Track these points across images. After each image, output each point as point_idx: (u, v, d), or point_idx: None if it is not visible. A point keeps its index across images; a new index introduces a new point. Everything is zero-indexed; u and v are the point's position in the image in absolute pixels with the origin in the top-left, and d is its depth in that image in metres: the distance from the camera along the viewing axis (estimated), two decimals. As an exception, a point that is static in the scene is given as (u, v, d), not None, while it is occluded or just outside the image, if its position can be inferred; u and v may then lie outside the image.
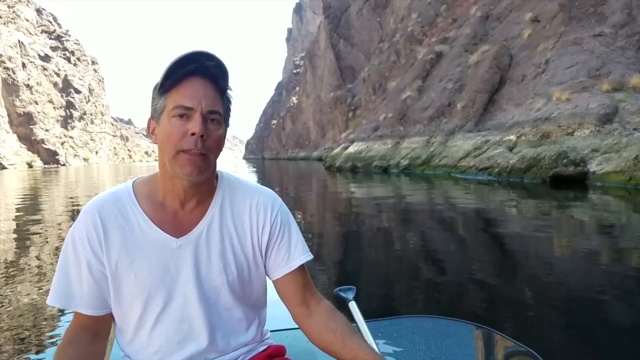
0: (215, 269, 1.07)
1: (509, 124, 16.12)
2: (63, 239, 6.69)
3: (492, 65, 19.52)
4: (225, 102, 1.05)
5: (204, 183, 1.07)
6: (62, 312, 3.30)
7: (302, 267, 1.15)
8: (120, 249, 1.03)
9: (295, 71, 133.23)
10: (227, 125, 1.07)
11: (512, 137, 14.83)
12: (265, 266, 1.15)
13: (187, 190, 1.05)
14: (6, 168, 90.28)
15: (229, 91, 1.06)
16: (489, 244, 5.89)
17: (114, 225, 1.04)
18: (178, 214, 1.07)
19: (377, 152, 23.56)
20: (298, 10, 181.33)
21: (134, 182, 1.12)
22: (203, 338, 1.07)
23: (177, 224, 1.07)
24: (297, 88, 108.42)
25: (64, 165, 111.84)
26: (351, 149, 27.27)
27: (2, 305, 3.57)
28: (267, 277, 1.18)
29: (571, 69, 15.69)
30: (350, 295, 1.50)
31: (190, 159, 0.98)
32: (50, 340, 2.85)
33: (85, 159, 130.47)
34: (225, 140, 1.08)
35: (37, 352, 2.68)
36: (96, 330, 1.06)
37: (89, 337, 1.05)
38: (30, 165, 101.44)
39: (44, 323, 3.19)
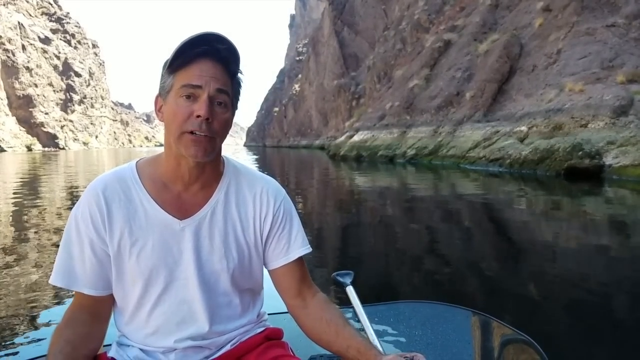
0: (217, 254, 1.07)
1: (519, 115, 15.86)
2: (62, 221, 6.71)
3: (502, 55, 19.20)
4: (235, 85, 1.04)
5: (209, 166, 1.07)
6: (62, 292, 3.29)
7: (300, 259, 1.15)
8: (123, 229, 1.03)
9: (297, 58, 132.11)
10: (235, 108, 1.06)
11: (523, 128, 14.57)
12: (264, 255, 1.15)
13: (192, 171, 1.04)
14: (5, 151, 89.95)
15: (239, 75, 1.05)
16: (494, 235, 5.79)
17: (118, 205, 1.03)
18: (182, 195, 1.07)
19: (383, 142, 23.31)
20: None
21: (137, 162, 1.11)
22: (202, 320, 1.07)
23: (180, 206, 1.06)
24: (300, 75, 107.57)
25: (63, 149, 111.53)
26: (356, 138, 27.03)
27: (2, 286, 3.58)
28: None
29: (584, 60, 15.40)
30: (348, 280, 1.51)
31: (195, 139, 0.97)
32: (50, 320, 2.84)
33: (85, 143, 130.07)
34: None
35: (36, 332, 2.69)
36: (96, 312, 1.06)
37: (87, 318, 1.04)
38: (29, 149, 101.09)
39: (44, 303, 3.19)
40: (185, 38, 0.96)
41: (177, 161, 1.03)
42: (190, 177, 1.05)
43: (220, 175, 1.11)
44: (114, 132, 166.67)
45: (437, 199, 9.14)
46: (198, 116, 0.96)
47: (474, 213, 7.36)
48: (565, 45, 16.82)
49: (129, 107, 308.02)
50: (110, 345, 1.14)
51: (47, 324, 2.78)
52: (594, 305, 3.04)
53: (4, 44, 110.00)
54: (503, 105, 17.81)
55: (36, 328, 2.76)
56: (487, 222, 6.72)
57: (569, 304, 3.12)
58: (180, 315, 1.06)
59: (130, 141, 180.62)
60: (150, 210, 1.04)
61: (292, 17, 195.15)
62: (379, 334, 1.27)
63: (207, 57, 0.98)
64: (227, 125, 1.02)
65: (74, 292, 1.06)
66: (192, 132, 0.97)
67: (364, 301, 1.38)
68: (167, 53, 1.00)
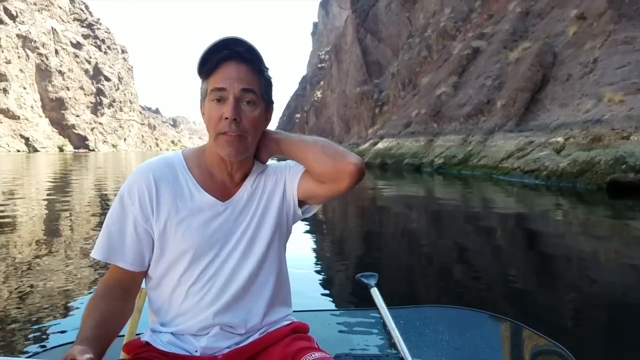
0: (255, 233, 1.15)
1: (554, 125, 15.37)
2: (91, 221, 7.05)
3: (534, 63, 18.69)
4: (263, 81, 1.10)
5: (248, 157, 1.16)
6: (91, 283, 3.59)
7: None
8: (170, 208, 1.10)
9: (320, 65, 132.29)
10: (268, 103, 1.13)
11: (559, 139, 14.08)
12: (303, 196, 1.19)
13: (234, 164, 1.14)
14: (38, 151, 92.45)
15: (266, 71, 1.11)
16: (527, 248, 5.56)
17: (166, 185, 1.11)
18: (226, 183, 1.16)
19: (409, 150, 22.98)
20: (324, 4, 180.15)
21: (182, 151, 1.20)
22: (235, 295, 1.11)
23: (223, 190, 1.15)
24: (322, 82, 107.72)
25: (92, 150, 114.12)
26: (380, 145, 26.76)
27: (35, 278, 3.83)
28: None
29: (622, 69, 14.84)
30: (372, 281, 1.51)
31: (228, 140, 1.06)
32: (79, 309, 3.00)
33: (113, 145, 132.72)
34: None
35: (67, 321, 2.87)
36: (128, 287, 1.12)
37: (121, 294, 1.10)
38: (61, 149, 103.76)
39: (74, 294, 3.42)
40: (207, 45, 1.05)
41: (220, 156, 1.12)
42: (232, 168, 1.14)
43: (253, 164, 1.20)
44: (142, 136, 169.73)
45: (466, 209, 8.93)
46: (226, 118, 1.04)
47: (505, 225, 7.12)
48: (602, 54, 16.27)
49: (156, 111, 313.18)
50: (142, 333, 1.18)
51: (77, 314, 2.90)
52: (634, 322, 2.91)
53: (38, 48, 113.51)
54: (536, 115, 17.30)
55: (66, 317, 2.91)
56: (520, 234, 6.48)
57: (607, 320, 2.96)
58: (215, 289, 1.11)
59: (157, 144, 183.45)
60: (196, 192, 1.13)
61: (315, 25, 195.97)
62: (405, 337, 1.27)
63: (230, 60, 1.06)
64: (257, 122, 1.09)
65: (110, 266, 1.13)
66: (225, 134, 1.06)
67: (388, 303, 1.37)
68: (193, 61, 1.10)
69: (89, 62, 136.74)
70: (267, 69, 1.12)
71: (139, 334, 1.21)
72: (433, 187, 14.48)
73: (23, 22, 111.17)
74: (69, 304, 3.17)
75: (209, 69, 1.06)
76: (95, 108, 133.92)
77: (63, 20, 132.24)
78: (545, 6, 22.89)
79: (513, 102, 18.39)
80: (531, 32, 22.31)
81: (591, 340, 2.56)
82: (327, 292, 3.69)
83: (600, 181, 10.80)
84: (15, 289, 3.56)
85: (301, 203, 1.22)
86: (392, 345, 1.33)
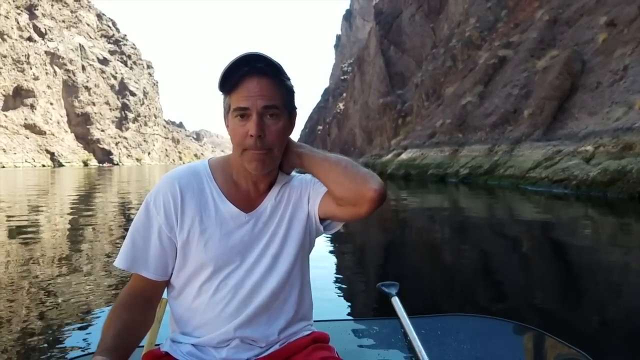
0: (278, 247, 1.14)
1: (582, 134, 15.03)
2: (113, 229, 7.09)
3: (562, 71, 18.37)
4: (285, 91, 1.10)
5: (274, 170, 1.16)
6: (110, 299, 3.54)
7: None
8: (194, 218, 1.10)
9: (342, 77, 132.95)
10: (290, 110, 1.12)
11: (589, 148, 13.75)
12: (319, 207, 1.18)
13: (259, 175, 1.13)
14: (63, 166, 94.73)
15: (288, 82, 1.10)
16: (552, 259, 5.41)
17: (191, 195, 1.11)
18: (250, 193, 1.15)
19: (433, 160, 22.78)
20: (348, 17, 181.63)
21: (209, 160, 1.21)
22: (258, 308, 1.11)
23: (247, 201, 1.15)
24: (344, 94, 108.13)
25: (117, 164, 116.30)
26: (404, 156, 26.59)
27: (56, 291, 3.82)
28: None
29: (654, 76, 14.45)
30: (393, 290, 1.49)
31: (254, 155, 1.07)
32: (97, 324, 2.96)
33: (137, 159, 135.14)
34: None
35: (90, 314, 2.94)
36: (149, 297, 1.12)
37: (142, 304, 1.10)
38: (85, 164, 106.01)
39: (93, 308, 3.40)
40: (228, 62, 1.04)
41: (245, 167, 1.12)
42: (257, 177, 1.14)
43: (277, 175, 1.20)
44: (165, 149, 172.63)
45: (492, 220, 8.79)
46: (251, 135, 1.04)
47: (531, 235, 6.97)
48: (632, 62, 15.92)
49: (180, 125, 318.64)
50: (162, 344, 1.16)
51: (97, 325, 2.89)
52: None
53: (65, 65, 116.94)
54: (564, 123, 16.96)
55: (87, 327, 2.93)
56: (547, 245, 6.32)
57: (637, 331, 2.82)
58: (237, 302, 1.10)
59: (180, 158, 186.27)
60: (220, 203, 1.12)
61: (338, 37, 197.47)
62: (426, 347, 1.24)
63: (251, 76, 1.04)
64: (281, 134, 1.09)
65: (131, 275, 1.12)
66: (250, 149, 1.06)
67: (409, 313, 1.35)
68: (217, 75, 1.08)
69: (115, 78, 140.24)
70: (289, 78, 1.11)
71: (158, 345, 1.20)
72: (458, 197, 14.27)
73: (52, 39, 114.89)
74: (90, 315, 3.18)
75: (231, 86, 1.06)
76: (120, 123, 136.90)
77: (90, 37, 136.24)
78: (573, 14, 22.55)
79: (540, 111, 18.09)
80: (559, 40, 21.99)
81: (618, 350, 2.48)
82: (347, 301, 3.68)
83: (632, 190, 10.55)
84: (37, 299, 3.56)
85: (322, 220, 1.21)
86: (413, 355, 1.32)
